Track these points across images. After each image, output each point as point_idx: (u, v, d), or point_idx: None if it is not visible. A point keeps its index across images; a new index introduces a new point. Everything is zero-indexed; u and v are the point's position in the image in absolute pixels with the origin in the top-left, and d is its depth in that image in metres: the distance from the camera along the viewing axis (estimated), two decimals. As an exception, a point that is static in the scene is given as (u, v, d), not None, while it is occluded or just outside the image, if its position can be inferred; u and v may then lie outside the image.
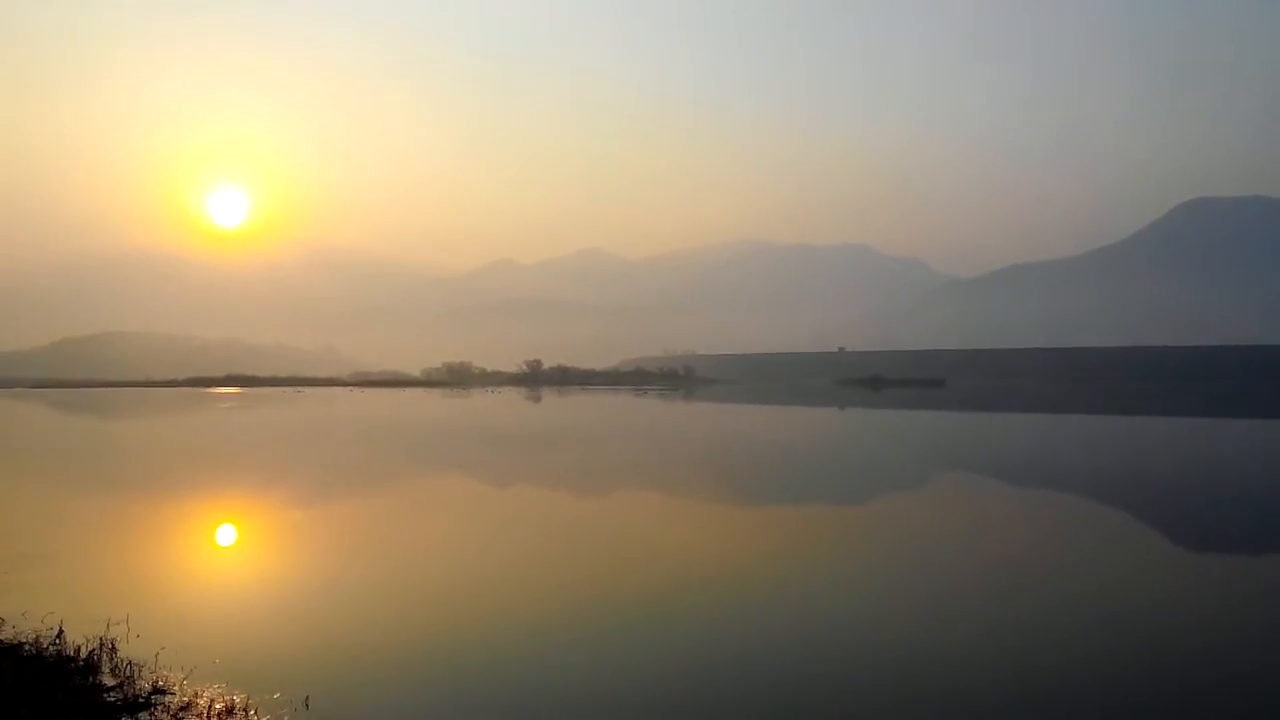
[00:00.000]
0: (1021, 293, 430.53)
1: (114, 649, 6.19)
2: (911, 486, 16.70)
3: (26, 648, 6.19)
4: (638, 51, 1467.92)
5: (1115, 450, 24.82)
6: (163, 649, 6.20)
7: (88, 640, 6.29)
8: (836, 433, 32.90)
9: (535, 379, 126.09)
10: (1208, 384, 79.53)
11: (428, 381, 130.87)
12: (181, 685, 5.59)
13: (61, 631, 6.49)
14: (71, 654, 6.06)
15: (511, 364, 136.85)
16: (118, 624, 6.69)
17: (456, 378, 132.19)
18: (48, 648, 6.20)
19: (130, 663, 5.95)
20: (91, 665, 5.89)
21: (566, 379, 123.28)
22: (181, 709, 5.25)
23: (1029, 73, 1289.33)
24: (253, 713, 5.26)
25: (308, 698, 5.43)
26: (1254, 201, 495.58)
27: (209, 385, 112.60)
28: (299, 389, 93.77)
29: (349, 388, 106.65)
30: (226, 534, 11.48)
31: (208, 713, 5.21)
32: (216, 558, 10.10)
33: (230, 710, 5.24)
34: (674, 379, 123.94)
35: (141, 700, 5.35)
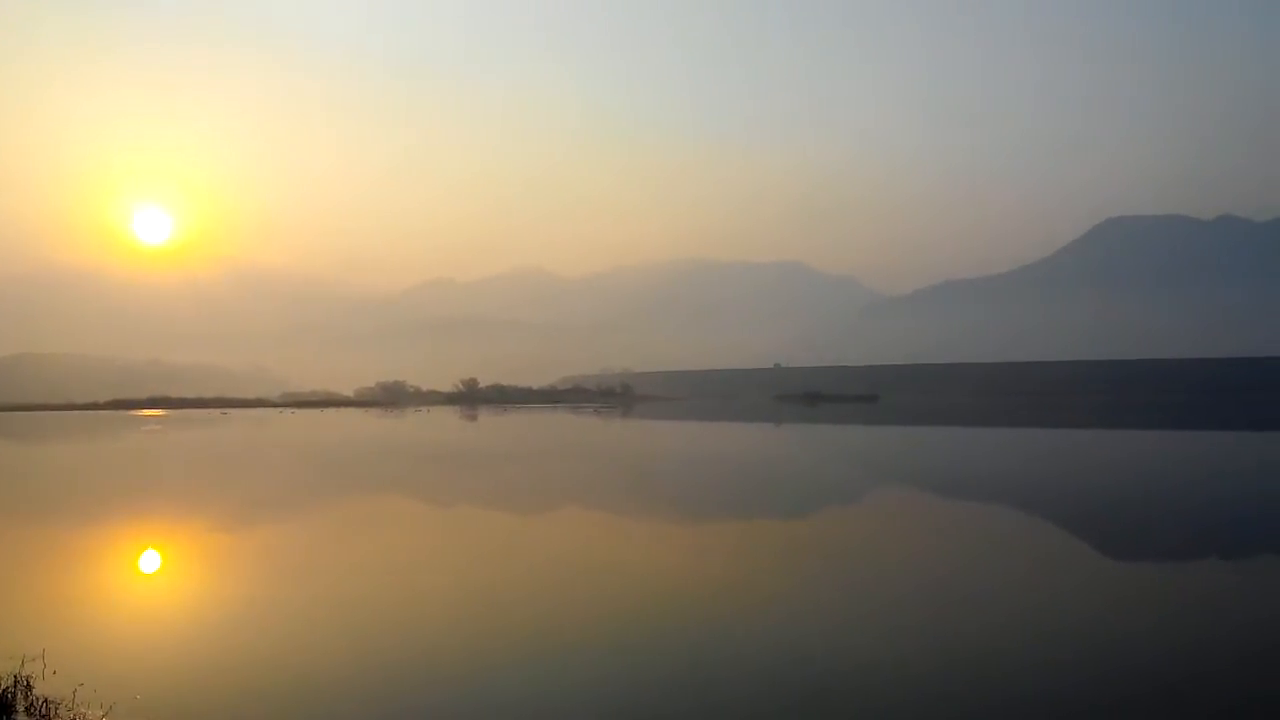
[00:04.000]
0: (951, 309, 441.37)
1: (29, 687, 5.90)
2: (846, 501, 16.92)
3: (-67, 688, 5.87)
4: (574, 69, 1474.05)
5: (1043, 462, 25.56)
6: (81, 685, 5.95)
7: (1, 678, 6.00)
8: (773, 449, 33.25)
9: (471, 398, 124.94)
10: (1129, 396, 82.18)
11: (361, 402, 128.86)
12: (100, 723, 5.32)
13: (-28, 669, 6.17)
14: (-17, 693, 5.77)
15: (447, 383, 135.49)
16: (33, 659, 6.38)
17: (390, 397, 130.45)
18: (-44, 687, 5.89)
19: (46, 700, 5.68)
20: (5, 704, 5.61)
21: (503, 398, 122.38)
22: (101, 748, 5.03)
23: (957, 97, 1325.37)
24: (176, 750, 5.06)
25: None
26: (1170, 220, 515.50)
27: (132, 408, 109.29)
28: (225, 410, 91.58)
29: (279, 409, 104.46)
30: (150, 561, 11.10)
31: (129, 751, 4.99)
32: (139, 587, 9.76)
33: (153, 748, 5.04)
34: (612, 397, 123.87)
35: (58, 740, 5.11)
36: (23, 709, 5.60)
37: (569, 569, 10.10)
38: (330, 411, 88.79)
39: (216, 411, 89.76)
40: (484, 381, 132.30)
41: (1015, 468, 23.97)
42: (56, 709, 5.58)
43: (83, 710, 5.56)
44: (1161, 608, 8.38)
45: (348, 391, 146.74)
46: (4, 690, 5.78)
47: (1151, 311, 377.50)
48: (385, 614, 8.04)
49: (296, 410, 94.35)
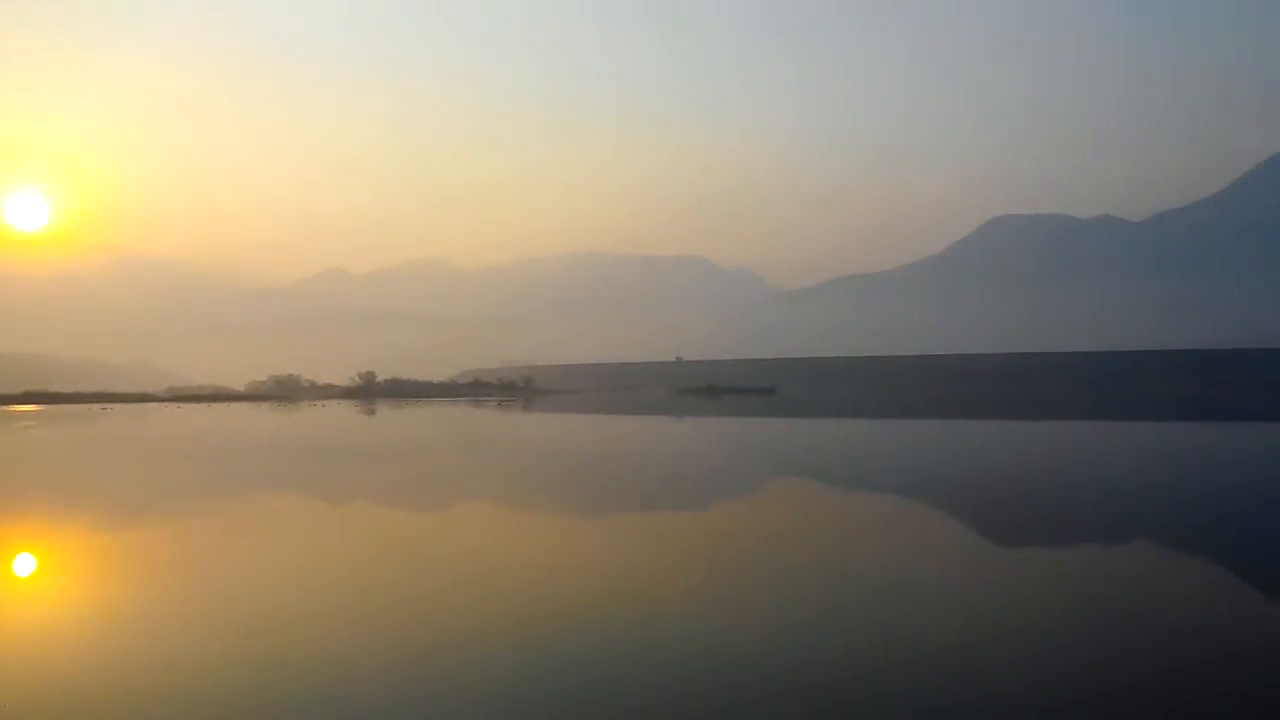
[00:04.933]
0: (846, 303, 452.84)
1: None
2: (743, 493, 17.10)
3: None
4: (473, 55, 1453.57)
5: (936, 451, 26.36)
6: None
7: None
8: (674, 441, 33.49)
9: (368, 392, 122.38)
10: (1018, 388, 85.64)
11: (252, 395, 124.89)
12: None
13: None
14: None
15: (343, 376, 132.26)
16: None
17: (284, 391, 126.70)
18: None
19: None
20: None
21: (401, 391, 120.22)
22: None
23: (848, 98, 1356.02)
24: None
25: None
26: (1053, 218, 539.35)
27: (6, 403, 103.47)
28: (105, 406, 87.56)
29: (163, 403, 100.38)
30: (18, 566, 10.46)
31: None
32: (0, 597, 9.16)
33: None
34: (513, 390, 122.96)
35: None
36: None
37: (464, 568, 9.85)
38: (219, 406, 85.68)
39: (96, 407, 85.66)
40: (382, 375, 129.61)
41: (903, 458, 24.65)
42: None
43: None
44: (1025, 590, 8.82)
45: (238, 385, 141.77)
46: None
47: (1037, 306, 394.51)
48: (280, 622, 7.65)
49: (182, 405, 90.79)
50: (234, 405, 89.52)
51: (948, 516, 13.22)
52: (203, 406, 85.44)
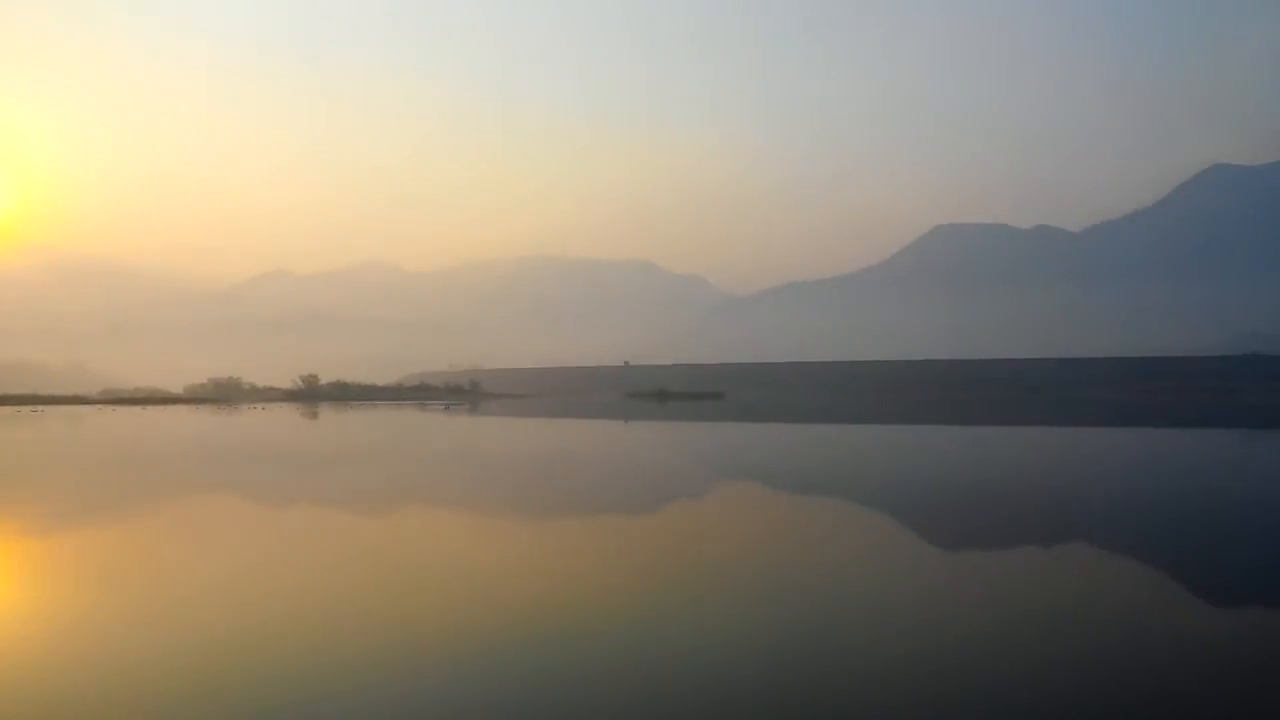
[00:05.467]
0: (794, 310, 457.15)
1: None
2: (693, 495, 17.22)
3: None
4: (421, 57, 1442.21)
5: (883, 457, 26.68)
6: None
7: None
8: (622, 445, 33.36)
9: (312, 395, 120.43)
10: (959, 393, 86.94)
11: (192, 399, 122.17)
12: None
13: None
14: None
15: (286, 379, 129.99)
16: None
17: (224, 394, 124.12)
18: None
19: None
20: None
21: (346, 395, 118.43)
22: None
23: (795, 107, 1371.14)
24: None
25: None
26: (995, 229, 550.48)
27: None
28: (37, 408, 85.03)
29: (96, 405, 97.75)
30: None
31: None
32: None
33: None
34: (460, 394, 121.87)
35: None
36: None
37: (404, 573, 9.64)
38: (155, 409, 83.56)
39: (27, 409, 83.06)
40: (326, 378, 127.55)
41: (842, 464, 24.84)
42: None
43: None
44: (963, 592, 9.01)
45: (177, 388, 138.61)
46: None
47: (978, 314, 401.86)
48: (220, 631, 7.35)
49: (117, 408, 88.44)
50: (173, 408, 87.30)
51: (880, 521, 13.41)
52: (136, 409, 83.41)
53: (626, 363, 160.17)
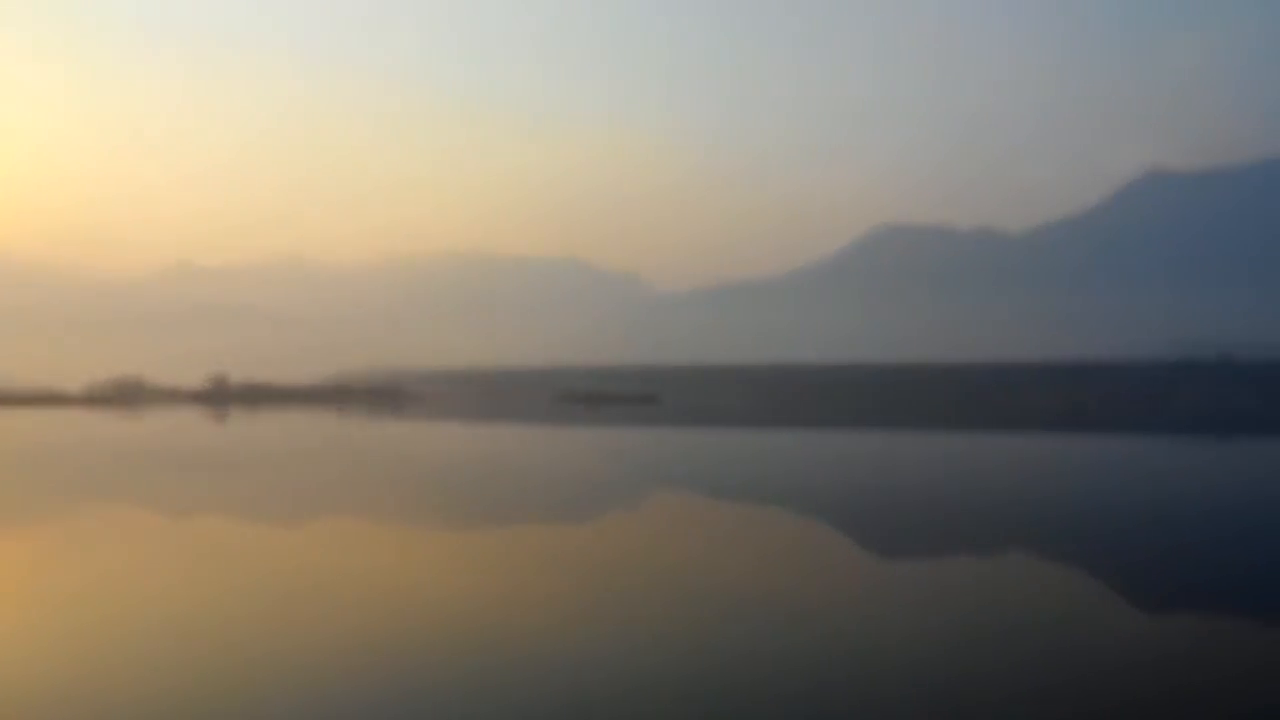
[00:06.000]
0: (729, 310, 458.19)
1: None
2: (623, 505, 16.30)
3: None
4: (342, 48, 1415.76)
5: (818, 464, 25.43)
6: None
7: None
8: (548, 454, 30.65)
9: (221, 396, 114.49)
10: (895, 398, 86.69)
11: (91, 400, 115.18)
12: None
13: None
14: None
15: (193, 379, 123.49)
16: None
17: (126, 395, 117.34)
18: None
19: None
20: None
21: (258, 396, 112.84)
22: None
23: (732, 101, 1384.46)
24: None
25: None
26: (934, 230, 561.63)
27: None
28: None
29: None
30: None
31: None
32: None
33: None
34: (381, 396, 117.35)
35: None
36: None
37: (287, 590, 8.82)
38: (51, 412, 76.76)
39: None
40: (237, 376, 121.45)
41: (781, 471, 23.62)
42: None
43: None
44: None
45: (74, 388, 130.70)
46: None
47: (919, 316, 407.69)
48: (113, 650, 6.85)
49: (4, 409, 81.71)
50: (68, 411, 79.97)
51: (806, 530, 12.82)
52: (30, 411, 77.14)
53: (557, 363, 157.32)
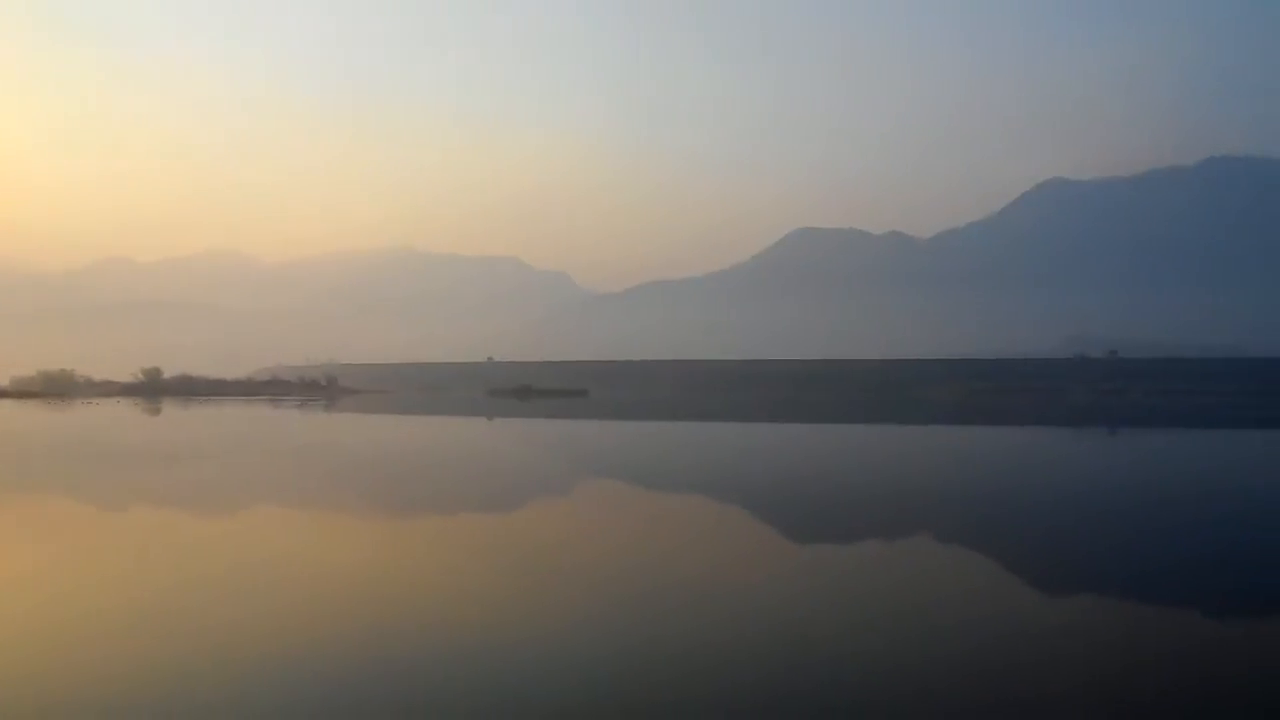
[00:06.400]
0: (657, 308, 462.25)
1: None
2: (554, 493, 17.49)
3: None
4: (278, 41, 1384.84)
5: (740, 454, 27.80)
6: None
7: None
8: (482, 442, 33.23)
9: (154, 389, 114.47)
10: (814, 393, 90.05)
11: (18, 392, 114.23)
12: None
13: None
14: None
15: (126, 373, 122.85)
16: None
17: (56, 388, 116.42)
18: None
19: None
20: None
21: (192, 389, 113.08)
22: None
23: (660, 105, 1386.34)
24: None
25: None
26: (848, 233, 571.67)
27: None
28: None
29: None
30: None
31: None
32: None
33: None
34: (316, 389, 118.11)
35: None
36: None
37: (214, 581, 9.13)
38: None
39: None
40: (170, 371, 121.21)
41: (704, 461, 25.74)
42: None
43: None
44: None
45: (1, 380, 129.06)
46: None
47: (835, 315, 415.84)
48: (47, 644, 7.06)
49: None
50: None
51: (721, 513, 14.12)
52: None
53: (490, 358, 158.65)
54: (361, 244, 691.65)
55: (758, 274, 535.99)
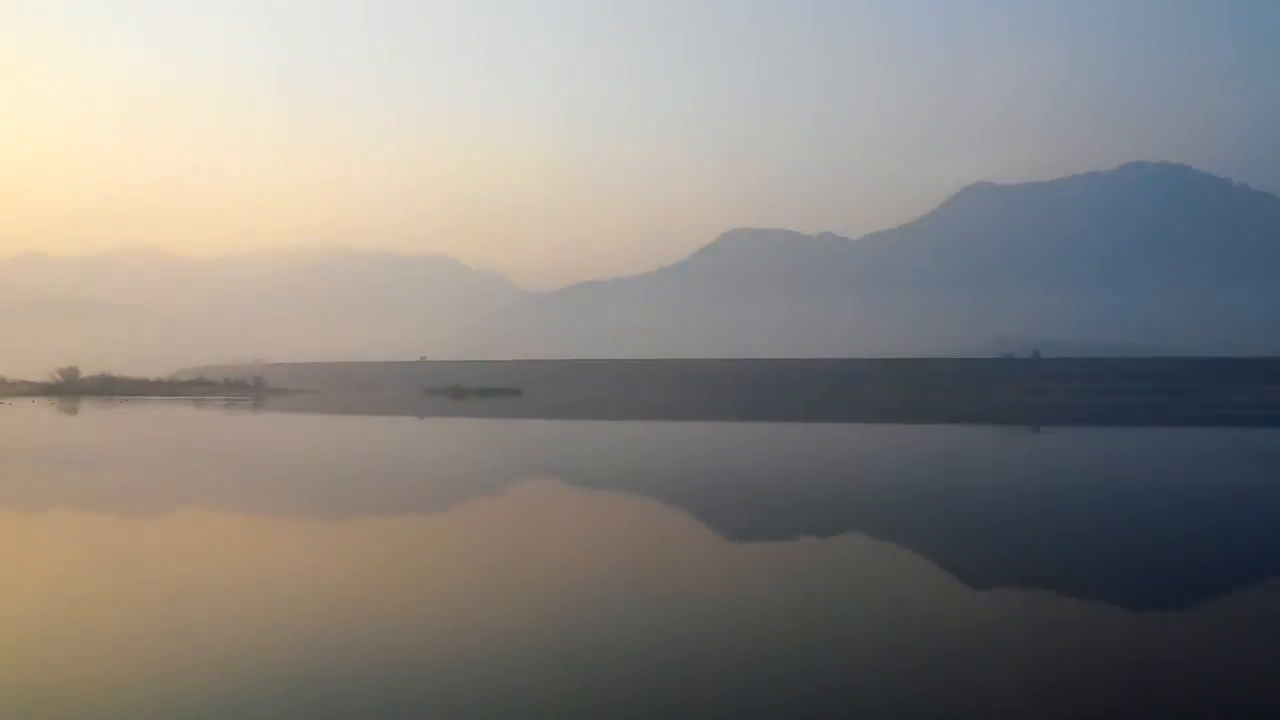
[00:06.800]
0: (591, 308, 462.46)
1: None
2: (490, 491, 17.27)
3: None
4: (208, 32, 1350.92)
5: (673, 452, 27.76)
6: None
7: None
8: (413, 441, 32.92)
9: (71, 389, 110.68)
10: (746, 392, 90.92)
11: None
12: None
13: None
14: None
15: (41, 372, 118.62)
16: None
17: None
18: None
19: None
20: None
21: (111, 389, 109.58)
22: None
23: (596, 110, 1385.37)
24: None
25: None
26: (781, 234, 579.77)
27: None
28: None
29: None
30: None
31: None
32: None
33: None
34: (242, 389, 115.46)
35: None
36: None
37: (135, 585, 8.88)
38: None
39: None
40: (88, 370, 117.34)
41: (637, 459, 25.75)
42: None
43: None
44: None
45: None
46: None
47: (767, 314, 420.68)
48: None
49: None
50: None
51: (659, 514, 14.17)
52: None
53: (423, 358, 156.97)
54: (291, 241, 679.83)
55: (692, 273, 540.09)
